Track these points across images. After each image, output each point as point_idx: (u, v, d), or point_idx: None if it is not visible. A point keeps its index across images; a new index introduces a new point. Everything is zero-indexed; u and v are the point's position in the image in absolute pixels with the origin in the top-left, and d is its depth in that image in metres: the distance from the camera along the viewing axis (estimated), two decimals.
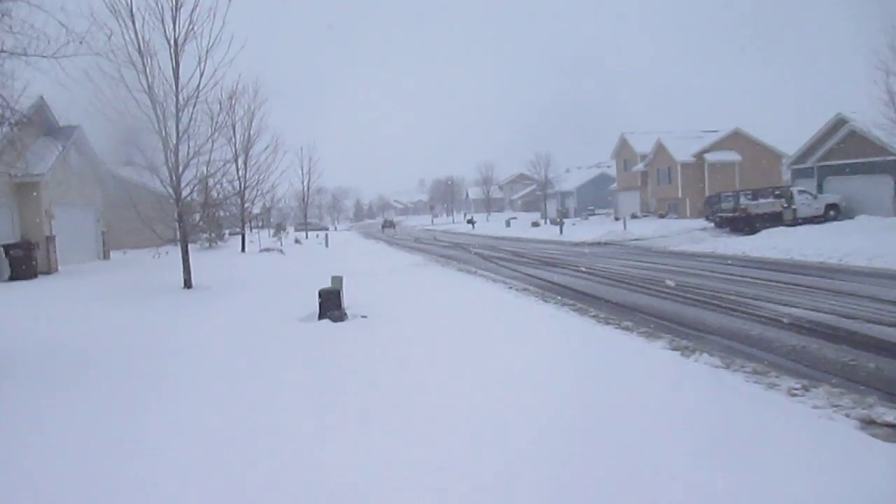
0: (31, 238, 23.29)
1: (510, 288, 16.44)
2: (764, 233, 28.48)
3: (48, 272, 23.84)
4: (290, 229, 75.02)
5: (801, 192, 33.92)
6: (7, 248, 22.05)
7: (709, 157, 50.97)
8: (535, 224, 62.00)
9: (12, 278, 21.69)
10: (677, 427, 5.77)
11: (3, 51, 9.46)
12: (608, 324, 10.96)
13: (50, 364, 9.15)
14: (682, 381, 7.33)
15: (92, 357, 9.59)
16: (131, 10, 16.16)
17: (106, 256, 30.64)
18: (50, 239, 24.56)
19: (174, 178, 17.57)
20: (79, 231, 28.31)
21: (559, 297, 14.48)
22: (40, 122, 23.90)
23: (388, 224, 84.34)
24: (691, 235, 33.00)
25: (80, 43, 10.52)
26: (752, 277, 16.57)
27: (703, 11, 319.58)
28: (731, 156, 50.67)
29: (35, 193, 24.37)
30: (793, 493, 4.51)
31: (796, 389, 6.79)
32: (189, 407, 6.90)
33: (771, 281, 15.75)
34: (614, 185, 69.59)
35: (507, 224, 68.76)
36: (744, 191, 35.95)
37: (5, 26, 9.46)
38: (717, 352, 8.61)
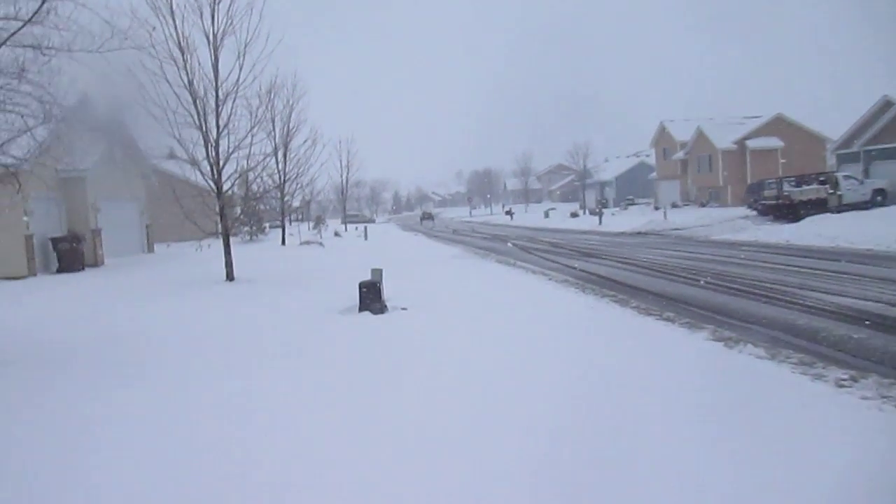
0: (77, 231, 23.87)
1: (549, 279, 16.35)
2: (808, 220, 27.88)
3: (94, 265, 24.42)
4: (335, 221, 75.52)
5: (846, 177, 33.09)
6: (55, 241, 22.64)
7: (750, 143, 50.14)
8: (574, 214, 61.54)
9: (60, 270, 22.30)
10: (721, 420, 5.68)
11: (49, 47, 9.64)
12: (649, 315, 10.84)
13: (98, 354, 9.39)
14: (726, 373, 7.23)
15: (142, 346, 9.79)
16: (171, 7, 16.48)
17: (150, 249, 31.25)
18: (96, 232, 25.13)
19: (215, 172, 17.88)
20: (124, 224, 28.93)
21: (599, 288, 14.37)
22: (86, 118, 24.34)
23: (427, 216, 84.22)
24: (733, 224, 32.44)
25: (125, 37, 10.71)
26: (796, 266, 16.26)
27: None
28: (774, 142, 49.78)
29: (81, 188, 24.95)
30: (842, 485, 4.43)
31: (844, 380, 6.65)
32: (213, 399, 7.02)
33: (816, 269, 15.44)
34: (654, 174, 68.96)
35: (546, 215, 68.44)
36: (787, 177, 35.22)
37: (51, 24, 9.64)
38: (762, 343, 8.45)
